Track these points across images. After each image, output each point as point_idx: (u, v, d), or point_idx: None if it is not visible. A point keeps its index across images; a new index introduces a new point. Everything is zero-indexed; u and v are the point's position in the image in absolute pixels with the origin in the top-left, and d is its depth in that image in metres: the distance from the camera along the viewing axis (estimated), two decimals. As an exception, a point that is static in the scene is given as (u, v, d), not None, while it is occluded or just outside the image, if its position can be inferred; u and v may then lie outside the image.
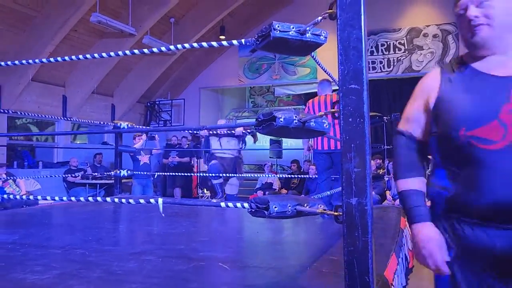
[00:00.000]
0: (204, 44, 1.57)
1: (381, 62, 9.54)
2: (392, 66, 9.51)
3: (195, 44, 1.54)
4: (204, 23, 9.32)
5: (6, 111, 6.94)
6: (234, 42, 1.54)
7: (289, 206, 1.40)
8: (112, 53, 1.72)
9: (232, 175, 5.49)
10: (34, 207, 4.06)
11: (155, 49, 1.70)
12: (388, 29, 9.48)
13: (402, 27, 9.47)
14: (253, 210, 1.47)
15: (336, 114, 1.28)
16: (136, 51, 1.64)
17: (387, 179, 6.47)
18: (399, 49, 9.46)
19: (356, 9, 1.17)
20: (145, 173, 6.41)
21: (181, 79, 11.49)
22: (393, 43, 9.50)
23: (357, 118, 1.16)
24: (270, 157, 10.92)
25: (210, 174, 5.50)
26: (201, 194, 9.64)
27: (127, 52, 1.71)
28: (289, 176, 7.42)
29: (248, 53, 10.63)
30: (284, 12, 10.48)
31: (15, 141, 8.74)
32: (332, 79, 2.85)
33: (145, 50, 1.60)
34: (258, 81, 11.02)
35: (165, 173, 7.38)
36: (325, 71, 2.04)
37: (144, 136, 7.12)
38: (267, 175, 7.61)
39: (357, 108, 1.16)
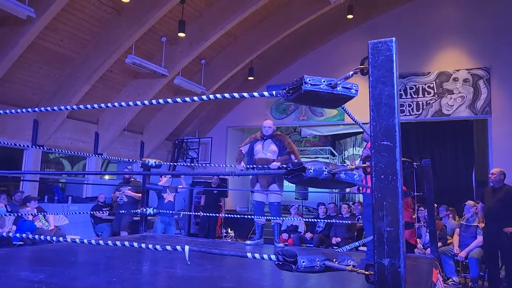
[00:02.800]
0: (236, 95, 1.60)
1: (409, 105, 9.47)
2: (421, 110, 9.42)
3: (226, 95, 1.58)
4: (233, 64, 9.59)
5: (41, 147, 7.20)
6: (265, 93, 1.56)
7: (318, 261, 1.36)
8: (156, 101, 1.77)
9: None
10: (61, 243, 4.11)
11: (193, 97, 1.75)
12: (417, 72, 9.48)
13: (431, 71, 9.45)
14: (280, 263, 1.44)
15: (368, 170, 1.27)
16: (195, 97, 1.69)
17: (417, 226, 6.26)
18: (428, 93, 9.40)
19: (388, 67, 1.17)
20: (169, 211, 6.41)
21: (209, 118, 11.71)
22: (422, 86, 9.46)
23: (390, 175, 1.14)
24: (295, 198, 10.80)
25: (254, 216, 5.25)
26: (225, 234, 9.55)
27: (178, 99, 1.76)
28: (315, 220, 7.27)
29: (270, 95, 10.77)
30: (311, 56, 10.68)
31: (47, 176, 8.99)
32: (360, 126, 2.84)
33: (187, 99, 1.65)
34: (285, 121, 11.10)
35: (190, 213, 7.34)
36: (354, 121, 2.03)
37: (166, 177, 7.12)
38: (292, 218, 7.46)
39: (390, 165, 1.14)
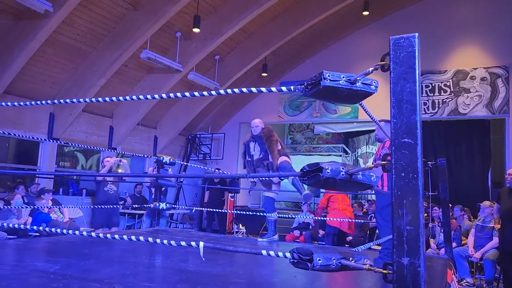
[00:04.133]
0: (253, 89, 1.58)
1: (425, 104, 9.35)
2: (437, 108, 9.29)
3: (244, 89, 1.56)
4: (247, 61, 9.57)
5: (57, 141, 7.28)
6: (283, 88, 1.55)
7: (334, 259, 1.35)
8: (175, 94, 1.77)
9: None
10: (75, 236, 4.16)
11: (211, 92, 1.75)
12: (434, 70, 9.34)
13: (448, 69, 9.31)
14: (295, 260, 1.43)
15: (387, 167, 1.25)
16: (213, 91, 1.69)
17: (431, 226, 6.18)
18: (445, 91, 9.26)
19: (410, 63, 1.15)
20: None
21: (222, 114, 11.72)
22: (438, 84, 9.32)
23: (410, 173, 1.12)
24: (307, 195, 10.75)
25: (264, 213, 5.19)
26: (236, 230, 9.58)
27: (196, 93, 1.76)
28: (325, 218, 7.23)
29: (288, 90, 10.75)
30: (326, 53, 10.61)
31: (62, 169, 9.11)
32: (377, 124, 2.80)
33: (205, 93, 1.64)
34: (298, 118, 11.06)
35: (201, 209, 7.35)
36: (372, 118, 2.00)
37: (150, 169, 6.90)
38: (304, 216, 7.43)
39: (410, 163, 1.12)
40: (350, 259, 1.37)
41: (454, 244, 5.73)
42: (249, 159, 4.67)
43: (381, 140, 3.58)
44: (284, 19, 9.01)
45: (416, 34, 1.16)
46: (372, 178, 1.41)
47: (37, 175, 7.51)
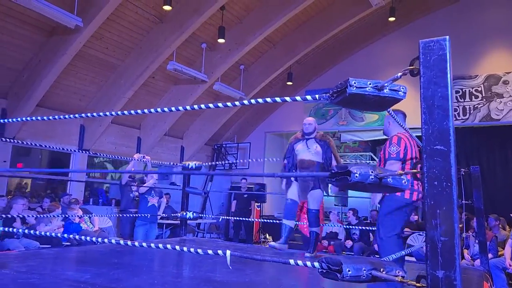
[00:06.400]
0: (277, 99, 1.57)
1: (455, 110, 9.10)
2: (468, 114, 9.02)
3: (268, 99, 1.55)
4: (272, 70, 9.59)
5: (87, 151, 7.46)
6: (308, 97, 1.53)
7: (364, 270, 1.31)
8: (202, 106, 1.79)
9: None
10: (104, 245, 4.23)
11: (233, 102, 1.75)
12: (464, 75, 9.10)
13: (478, 73, 9.05)
14: (324, 271, 1.39)
15: (418, 175, 1.20)
16: (237, 102, 1.69)
17: (464, 236, 5.96)
18: (476, 97, 8.99)
19: (441, 67, 1.11)
20: (148, 215, 6.09)
21: (248, 123, 11.76)
22: (469, 90, 9.06)
23: (444, 181, 1.07)
24: (335, 205, 10.62)
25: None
26: (263, 239, 9.53)
27: (231, 104, 1.76)
28: (354, 226, 7.08)
29: (314, 99, 10.70)
30: (351, 60, 10.52)
31: (92, 179, 9.33)
32: (405, 130, 2.73)
33: (229, 104, 1.64)
34: (324, 126, 10.96)
35: (228, 217, 7.35)
36: (402, 126, 1.95)
37: (156, 176, 6.77)
38: (332, 225, 7.31)
39: (443, 171, 1.08)
40: (381, 269, 1.33)
41: (490, 255, 5.50)
42: (290, 156, 4.31)
43: (387, 134, 3.32)
44: (308, 28, 9.00)
45: (447, 37, 1.12)
46: (403, 182, 1.37)
47: (69, 179, 7.68)
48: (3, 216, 5.06)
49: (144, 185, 6.42)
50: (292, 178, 4.25)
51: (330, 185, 4.29)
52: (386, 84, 1.38)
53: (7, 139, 5.51)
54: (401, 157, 2.98)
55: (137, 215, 6.27)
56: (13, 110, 6.89)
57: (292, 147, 4.33)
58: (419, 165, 2.74)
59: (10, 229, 5.05)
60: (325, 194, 4.24)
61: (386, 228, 2.98)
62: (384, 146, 3.20)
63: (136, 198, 6.69)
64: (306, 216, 4.38)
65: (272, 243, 4.16)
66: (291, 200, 4.22)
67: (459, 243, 1.07)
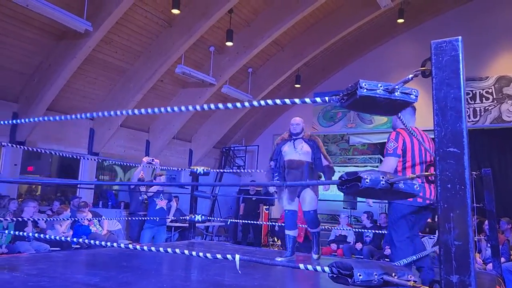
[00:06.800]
0: (287, 101, 1.56)
1: (466, 112, 9.00)
2: (478, 116, 8.93)
3: (277, 101, 1.54)
4: (280, 72, 9.58)
5: (96, 155, 7.50)
6: (318, 99, 1.51)
7: (375, 274, 1.29)
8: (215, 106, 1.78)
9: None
10: (113, 248, 4.24)
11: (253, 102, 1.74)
12: (474, 77, 9.01)
13: (489, 75, 8.95)
14: (334, 275, 1.38)
15: (431, 178, 1.18)
16: (246, 103, 1.68)
17: (476, 239, 5.87)
18: (487, 99, 8.89)
19: (454, 68, 1.09)
20: (157, 218, 6.03)
21: (256, 126, 11.75)
22: (480, 92, 8.97)
23: (457, 184, 1.05)
24: (343, 208, 10.55)
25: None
26: (272, 242, 9.50)
27: (238, 104, 1.76)
28: (364, 229, 7.02)
29: (323, 102, 10.66)
30: (359, 63, 10.47)
31: (102, 182, 9.38)
32: (411, 134, 2.69)
33: (238, 104, 1.63)
34: (332, 129, 10.92)
35: (236, 220, 7.34)
36: (403, 123, 1.93)
37: (163, 178, 6.69)
38: (341, 228, 7.24)
39: (457, 174, 1.06)
40: (393, 274, 1.31)
41: (502, 259, 5.41)
42: (276, 159, 4.22)
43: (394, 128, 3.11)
44: (316, 30, 8.98)
45: (459, 37, 1.10)
46: (415, 187, 1.35)
47: (78, 186, 7.75)
48: (14, 219, 5.11)
49: (152, 189, 6.38)
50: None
51: (320, 186, 4.21)
52: (397, 87, 1.36)
53: (18, 146, 5.56)
54: (399, 153, 2.82)
55: (145, 218, 6.26)
56: (24, 113, 6.97)
57: (279, 149, 4.24)
58: (431, 167, 2.65)
59: (22, 233, 5.09)
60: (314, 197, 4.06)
61: (396, 233, 2.88)
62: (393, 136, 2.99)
63: (145, 201, 6.69)
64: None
65: (280, 259, 3.86)
66: (288, 211, 4.12)
67: (474, 247, 1.04)
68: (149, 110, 1.97)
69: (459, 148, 1.07)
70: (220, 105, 1.76)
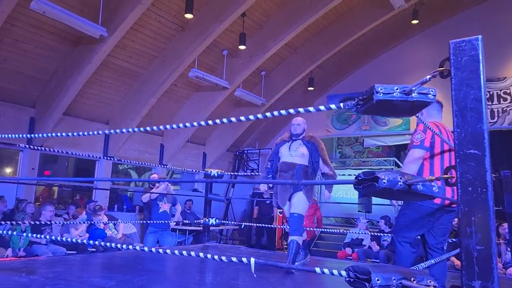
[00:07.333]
0: (301, 109, 1.55)
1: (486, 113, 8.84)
2: (496, 117, 8.76)
3: (291, 110, 1.53)
4: (293, 75, 9.56)
5: (111, 158, 7.58)
6: (332, 106, 1.50)
7: (394, 279, 1.26)
8: (242, 118, 1.78)
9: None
10: (128, 251, 4.27)
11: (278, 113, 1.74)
12: (491, 77, 8.85)
13: (507, 76, 8.79)
14: (351, 280, 1.35)
15: (450, 181, 1.16)
16: (259, 115, 1.69)
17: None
18: (504, 99, 8.73)
19: (474, 68, 1.07)
20: (162, 221, 5.95)
21: (269, 129, 11.73)
22: (497, 92, 8.81)
23: (478, 187, 1.02)
24: (358, 211, 10.45)
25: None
26: (285, 246, 9.45)
27: (257, 116, 1.76)
28: (381, 233, 6.93)
29: (338, 108, 10.61)
30: (373, 64, 10.39)
31: (117, 186, 9.47)
32: (434, 133, 2.64)
33: (275, 113, 1.64)
34: (346, 131, 10.83)
35: (249, 224, 7.32)
36: (430, 129, 1.89)
37: (155, 175, 6.61)
38: (358, 232, 7.15)
39: (478, 176, 1.03)
40: (412, 279, 1.28)
41: (522, 264, 5.29)
42: (273, 160, 3.97)
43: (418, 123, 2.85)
44: (329, 33, 8.94)
45: (479, 36, 1.08)
46: (434, 189, 1.31)
47: (94, 188, 7.83)
48: (32, 222, 5.18)
49: (156, 190, 6.28)
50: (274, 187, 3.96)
51: (315, 191, 3.98)
52: (414, 88, 1.33)
53: (36, 147, 5.65)
54: (426, 146, 2.63)
55: (149, 221, 6.07)
56: (41, 118, 7.09)
57: (277, 150, 4.00)
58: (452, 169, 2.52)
59: (39, 235, 5.16)
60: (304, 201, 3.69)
61: (401, 240, 2.75)
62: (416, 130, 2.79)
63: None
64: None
65: (296, 264, 3.58)
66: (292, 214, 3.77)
67: (496, 252, 1.01)
68: (203, 123, 1.97)
69: (480, 149, 1.04)
70: (233, 119, 1.76)
